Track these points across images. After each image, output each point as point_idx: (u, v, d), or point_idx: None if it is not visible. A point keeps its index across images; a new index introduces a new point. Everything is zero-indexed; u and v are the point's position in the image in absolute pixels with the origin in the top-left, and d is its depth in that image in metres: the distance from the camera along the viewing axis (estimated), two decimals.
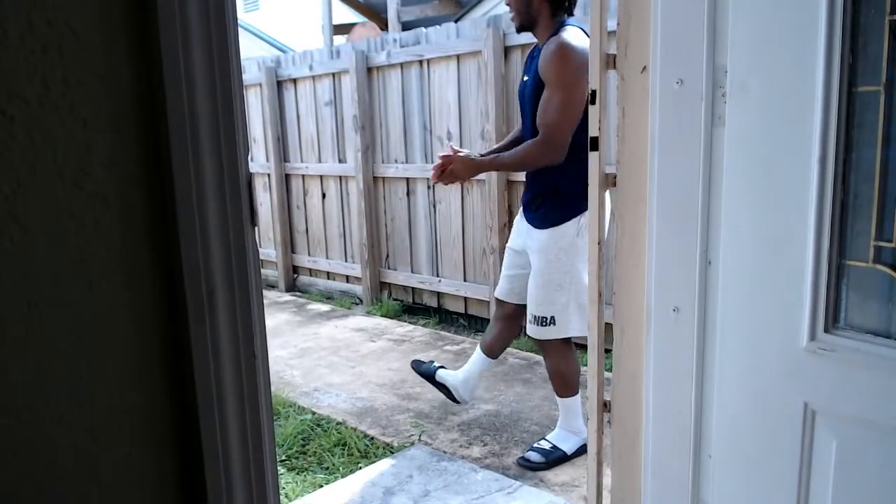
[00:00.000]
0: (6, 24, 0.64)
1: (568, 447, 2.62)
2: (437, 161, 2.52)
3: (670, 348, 1.29)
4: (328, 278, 5.53)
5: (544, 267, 2.49)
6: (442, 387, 2.93)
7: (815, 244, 1.08)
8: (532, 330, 2.56)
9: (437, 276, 4.62)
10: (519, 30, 2.51)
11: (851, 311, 1.11)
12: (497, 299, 2.81)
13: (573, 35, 2.35)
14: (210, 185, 0.77)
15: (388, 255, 4.97)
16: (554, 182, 2.45)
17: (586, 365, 1.52)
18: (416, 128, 4.56)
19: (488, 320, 3.27)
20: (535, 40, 2.53)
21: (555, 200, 2.46)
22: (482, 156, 2.63)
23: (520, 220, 2.66)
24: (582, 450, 2.59)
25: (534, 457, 2.60)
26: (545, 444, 2.64)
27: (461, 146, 4.03)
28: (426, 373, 2.97)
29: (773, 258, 1.14)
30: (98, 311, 0.72)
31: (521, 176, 3.88)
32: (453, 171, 2.47)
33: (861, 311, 1.11)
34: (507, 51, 3.95)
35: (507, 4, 2.47)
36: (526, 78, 2.54)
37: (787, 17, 1.07)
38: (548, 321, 2.50)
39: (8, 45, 0.64)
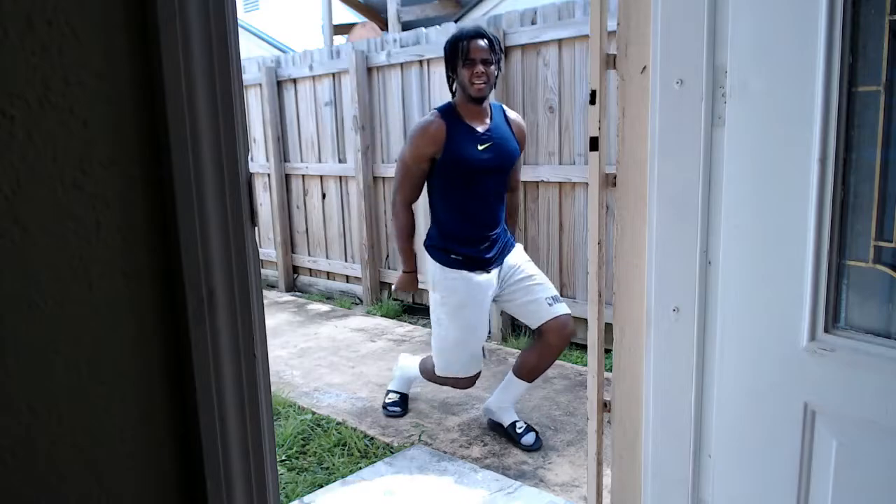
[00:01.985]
0: (6, 24, 0.64)
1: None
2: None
3: (670, 348, 1.29)
4: (328, 278, 5.53)
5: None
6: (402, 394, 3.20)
7: (815, 244, 1.08)
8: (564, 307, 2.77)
9: None
10: (481, 100, 2.67)
11: (851, 310, 1.11)
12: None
13: None
14: (210, 185, 0.77)
15: (388, 255, 4.96)
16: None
17: (587, 365, 1.52)
18: None
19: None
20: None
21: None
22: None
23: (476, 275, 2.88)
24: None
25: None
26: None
27: None
28: (403, 403, 3.16)
29: (773, 258, 1.14)
30: (98, 311, 0.72)
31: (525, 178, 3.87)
32: None
33: (861, 311, 1.11)
34: (508, 51, 3.95)
35: (482, 77, 2.61)
36: (487, 140, 2.71)
37: (788, 17, 1.08)
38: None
39: (8, 45, 0.64)
